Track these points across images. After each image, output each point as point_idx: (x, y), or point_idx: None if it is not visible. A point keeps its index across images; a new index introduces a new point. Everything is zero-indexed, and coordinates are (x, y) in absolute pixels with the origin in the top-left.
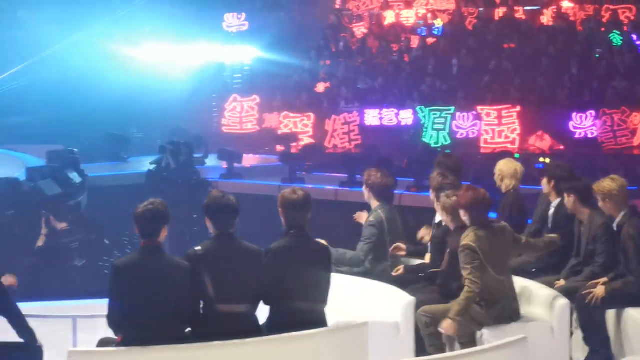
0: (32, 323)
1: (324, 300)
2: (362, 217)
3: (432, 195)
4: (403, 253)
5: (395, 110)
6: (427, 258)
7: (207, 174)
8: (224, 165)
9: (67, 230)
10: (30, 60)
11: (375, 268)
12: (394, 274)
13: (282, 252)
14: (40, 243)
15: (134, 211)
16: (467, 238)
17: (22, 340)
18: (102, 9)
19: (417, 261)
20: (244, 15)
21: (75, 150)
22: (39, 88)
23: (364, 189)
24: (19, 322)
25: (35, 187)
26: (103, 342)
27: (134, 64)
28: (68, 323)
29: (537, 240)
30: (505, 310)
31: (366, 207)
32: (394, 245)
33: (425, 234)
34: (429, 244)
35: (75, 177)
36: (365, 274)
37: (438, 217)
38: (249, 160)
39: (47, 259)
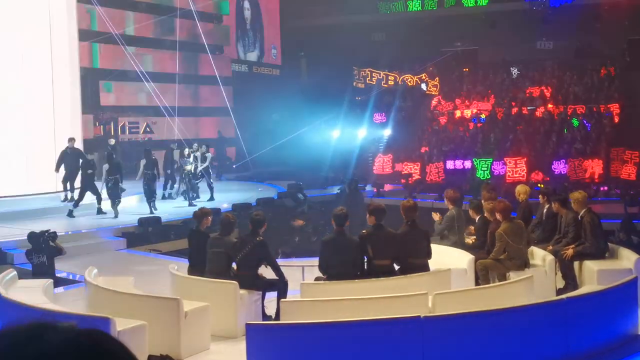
0: (283, 269)
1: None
2: (435, 216)
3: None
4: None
5: None
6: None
7: None
8: None
9: (304, 225)
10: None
11: (451, 240)
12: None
13: None
14: (295, 225)
15: None
16: (501, 228)
17: (277, 277)
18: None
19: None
20: None
21: (301, 182)
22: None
23: None
24: (276, 268)
25: (282, 204)
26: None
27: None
28: (299, 270)
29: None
30: (522, 262)
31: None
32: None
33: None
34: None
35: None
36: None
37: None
38: None
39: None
